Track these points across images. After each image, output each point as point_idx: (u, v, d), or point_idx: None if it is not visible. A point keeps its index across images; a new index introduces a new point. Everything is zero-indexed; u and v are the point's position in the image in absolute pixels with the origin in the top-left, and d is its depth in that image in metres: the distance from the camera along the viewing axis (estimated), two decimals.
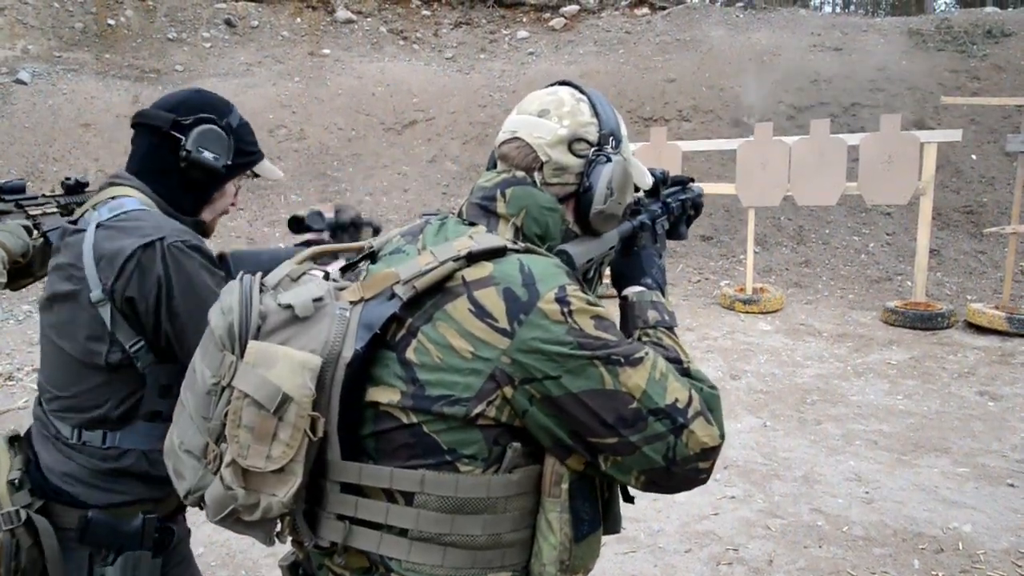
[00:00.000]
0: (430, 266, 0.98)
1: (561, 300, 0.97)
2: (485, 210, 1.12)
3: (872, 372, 5.44)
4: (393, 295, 0.99)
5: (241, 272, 1.01)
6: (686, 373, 1.06)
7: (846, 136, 6.90)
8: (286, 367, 0.91)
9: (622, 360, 0.97)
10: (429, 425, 0.97)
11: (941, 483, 3.68)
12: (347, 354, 0.95)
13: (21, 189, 2.27)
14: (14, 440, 1.50)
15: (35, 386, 5.49)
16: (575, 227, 1.16)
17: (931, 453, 4.05)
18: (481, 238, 1.03)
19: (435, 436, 0.97)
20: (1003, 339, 6.05)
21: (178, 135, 1.50)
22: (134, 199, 1.48)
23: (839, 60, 11.47)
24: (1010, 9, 14.30)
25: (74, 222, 1.50)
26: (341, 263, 1.19)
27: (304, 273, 1.04)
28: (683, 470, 0.99)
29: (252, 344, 0.93)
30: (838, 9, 31.03)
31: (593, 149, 1.13)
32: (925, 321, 6.39)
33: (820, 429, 4.42)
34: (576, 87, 1.18)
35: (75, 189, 2.00)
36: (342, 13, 14.21)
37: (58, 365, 1.45)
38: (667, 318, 1.17)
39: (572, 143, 1.13)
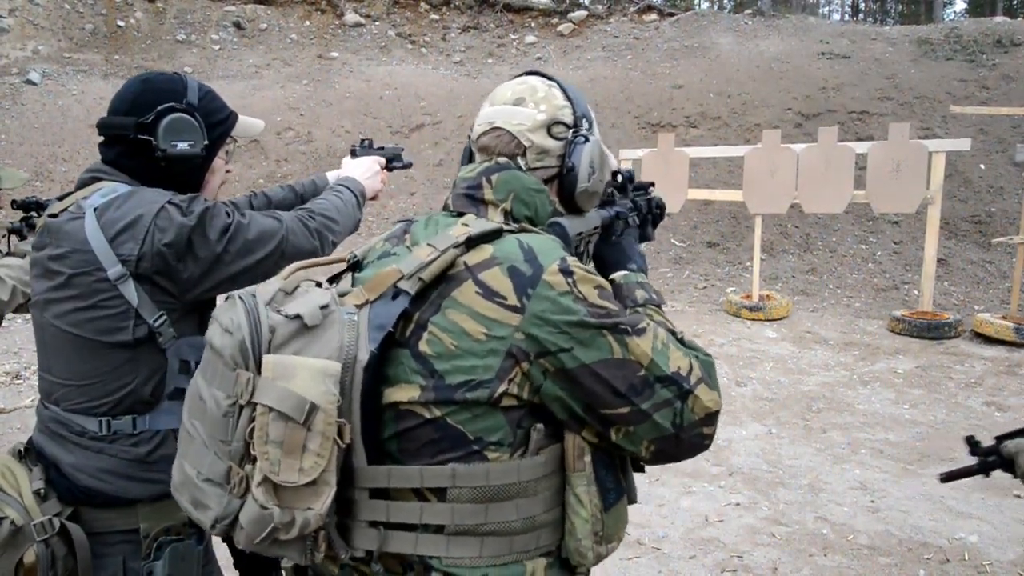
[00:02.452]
0: (432, 256, 0.99)
1: (564, 271, 0.99)
2: (472, 199, 1.13)
3: (878, 381, 5.42)
4: (398, 292, 0.99)
5: (235, 292, 0.99)
6: (681, 343, 1.09)
7: (854, 144, 6.89)
8: (307, 376, 0.90)
9: (629, 329, 1.00)
10: (453, 416, 0.97)
11: (947, 493, 3.66)
12: (363, 357, 0.94)
13: None
14: (23, 454, 1.48)
15: None
16: (560, 207, 1.19)
17: (937, 463, 4.03)
18: (476, 223, 1.05)
19: (460, 427, 0.97)
20: (1010, 350, 6.02)
21: (146, 137, 1.45)
22: (124, 186, 1.47)
23: (848, 68, 11.46)
24: (1020, 19, 14.27)
25: (53, 215, 1.47)
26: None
27: (298, 286, 1.02)
28: (689, 436, 1.02)
29: (268, 358, 0.91)
30: (847, 17, 31.04)
31: (571, 131, 1.17)
32: (932, 330, 6.36)
33: (826, 437, 4.40)
34: (543, 75, 1.21)
35: None
36: (351, 16, 14.27)
37: (75, 355, 1.43)
38: (654, 296, 1.20)
39: (551, 127, 1.16)
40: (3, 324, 2.47)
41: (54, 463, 1.43)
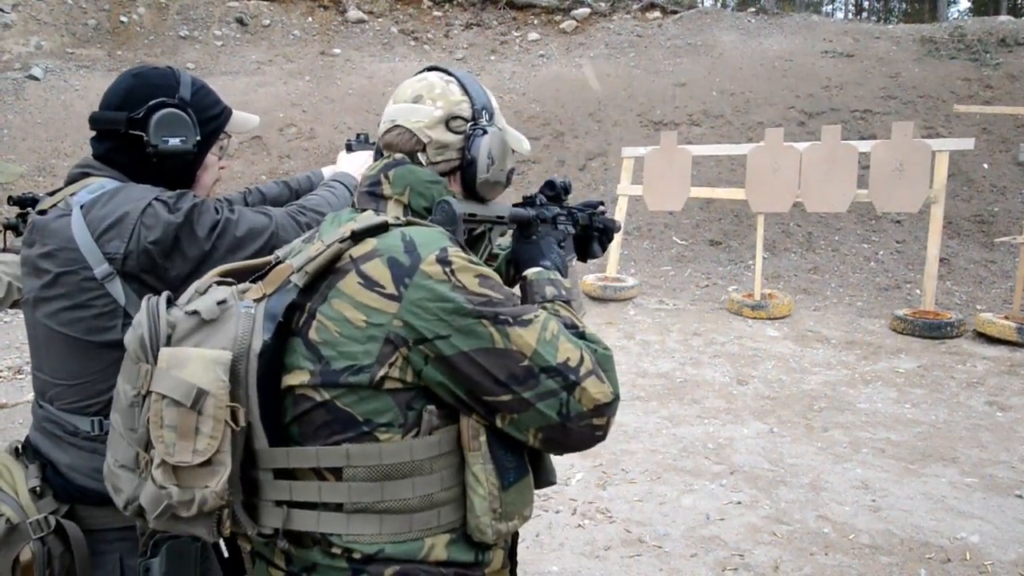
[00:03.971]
0: (319, 251, 1.05)
1: (442, 260, 1.03)
2: (373, 195, 1.19)
3: (880, 380, 5.41)
4: (291, 284, 1.05)
5: (147, 295, 1.06)
6: (582, 337, 1.11)
7: (857, 143, 6.87)
8: (198, 365, 0.97)
9: (511, 320, 1.02)
10: (341, 399, 1.02)
11: (949, 493, 3.66)
12: (256, 346, 1.00)
13: None
14: (19, 451, 1.47)
15: None
16: (463, 198, 1.24)
17: (939, 462, 4.03)
18: (364, 219, 1.09)
19: (349, 409, 1.02)
20: (1012, 349, 6.01)
21: (137, 132, 1.43)
22: (112, 182, 1.45)
23: (851, 67, 11.44)
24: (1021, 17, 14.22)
25: (42, 212, 1.46)
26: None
27: (211, 286, 1.09)
28: (578, 426, 1.03)
29: (164, 350, 0.99)
30: (850, 15, 30.95)
31: (469, 124, 1.22)
32: (934, 330, 6.36)
33: (827, 436, 4.40)
34: (443, 70, 1.26)
35: None
36: (353, 13, 14.25)
37: (65, 354, 1.42)
38: (563, 292, 1.23)
39: (448, 121, 1.21)
40: (2, 320, 2.44)
41: (50, 461, 1.43)
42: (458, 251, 1.05)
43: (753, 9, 14.51)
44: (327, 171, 1.99)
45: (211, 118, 1.54)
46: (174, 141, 1.45)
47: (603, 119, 11.28)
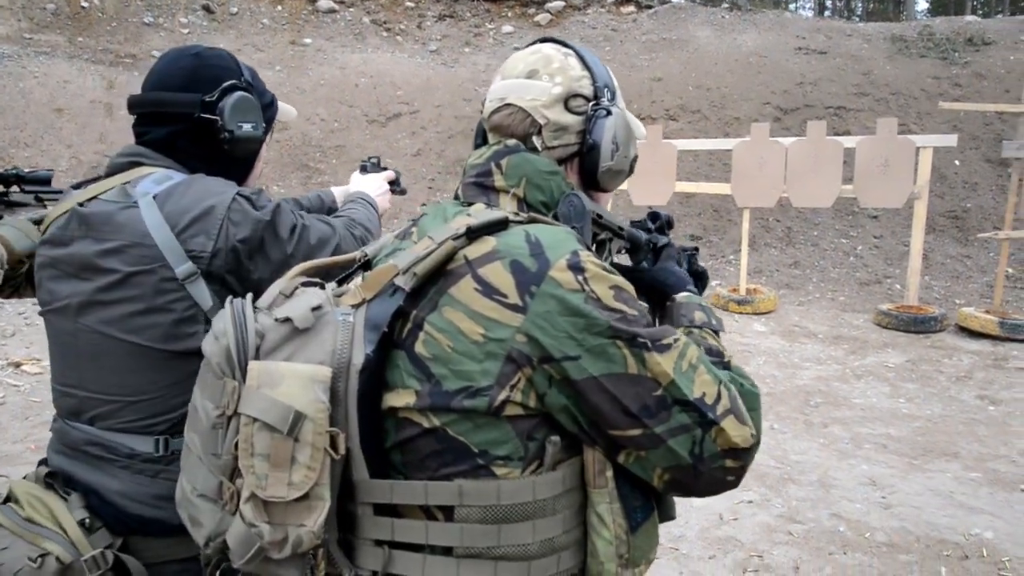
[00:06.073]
0: (428, 250, 0.90)
1: (575, 267, 0.88)
2: (482, 187, 1.04)
3: (871, 375, 5.43)
4: (395, 289, 0.90)
5: (229, 296, 0.93)
6: (726, 367, 0.99)
7: (843, 139, 6.91)
8: (294, 383, 0.83)
9: (649, 344, 0.88)
10: (454, 426, 0.87)
11: (955, 488, 3.65)
12: (357, 361, 0.87)
13: (46, 181, 2.05)
14: (49, 481, 1.30)
15: (12, 382, 5.25)
16: (580, 188, 1.09)
17: (941, 458, 4.03)
18: (480, 213, 0.95)
19: (462, 438, 0.87)
20: (995, 343, 6.09)
21: (210, 116, 1.32)
22: (176, 172, 1.31)
23: (824, 64, 11.54)
24: (988, 18, 14.51)
25: (80, 205, 1.30)
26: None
27: (297, 287, 0.95)
28: (709, 469, 0.90)
29: (253, 364, 0.85)
30: (812, 15, 31.36)
31: (591, 104, 1.06)
32: (918, 324, 6.42)
33: (828, 432, 4.38)
34: (560, 42, 1.10)
35: None
36: (324, 2, 13.95)
37: (128, 365, 1.25)
38: (714, 322, 1.10)
39: (568, 100, 1.05)
40: None
41: (94, 489, 1.26)
42: (590, 256, 0.91)
43: (726, 5, 14.58)
44: (337, 191, 1.92)
45: (267, 104, 1.45)
46: (247, 127, 1.34)
47: None
